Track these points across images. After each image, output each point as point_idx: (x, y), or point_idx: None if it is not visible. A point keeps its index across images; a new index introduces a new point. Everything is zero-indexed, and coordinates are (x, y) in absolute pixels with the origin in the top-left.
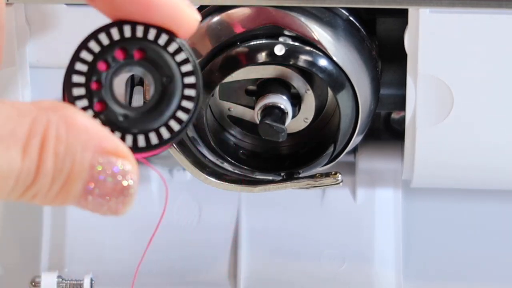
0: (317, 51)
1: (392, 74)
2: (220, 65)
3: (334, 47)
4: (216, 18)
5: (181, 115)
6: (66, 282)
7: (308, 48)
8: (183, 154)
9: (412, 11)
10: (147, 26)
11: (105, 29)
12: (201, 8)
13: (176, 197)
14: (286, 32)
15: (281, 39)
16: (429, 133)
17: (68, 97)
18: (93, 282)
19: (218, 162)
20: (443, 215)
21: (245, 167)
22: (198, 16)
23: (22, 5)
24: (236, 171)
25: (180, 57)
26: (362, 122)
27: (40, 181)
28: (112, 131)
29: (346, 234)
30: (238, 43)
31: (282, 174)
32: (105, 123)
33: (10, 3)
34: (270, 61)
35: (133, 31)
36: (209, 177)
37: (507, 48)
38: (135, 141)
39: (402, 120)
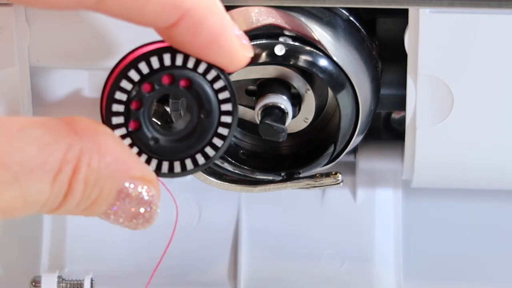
0: (317, 51)
1: (392, 74)
2: None
3: (334, 47)
4: None
5: (209, 150)
6: (66, 282)
7: (308, 48)
8: None
9: (412, 11)
10: (198, 59)
11: (158, 52)
12: None
13: (176, 197)
14: (286, 32)
15: (281, 39)
16: (429, 133)
17: (106, 111)
18: (93, 282)
19: (218, 162)
20: (443, 215)
21: (245, 167)
22: (250, 53)
23: (22, 5)
24: (236, 171)
25: (223, 95)
26: (362, 122)
27: (66, 206)
28: (140, 152)
29: (346, 234)
30: None
31: (282, 174)
32: (135, 143)
33: (10, 4)
34: (270, 61)
35: (185, 60)
36: (209, 177)
37: (507, 48)
38: (159, 165)
39: (402, 120)
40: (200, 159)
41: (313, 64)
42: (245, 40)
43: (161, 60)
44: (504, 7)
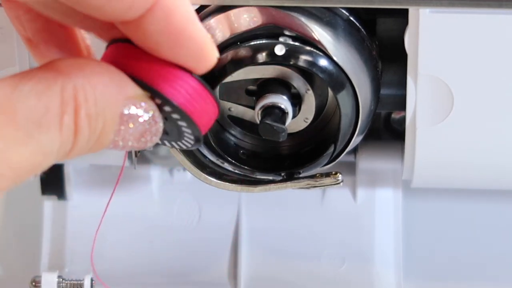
0: (317, 51)
1: (392, 74)
2: (220, 65)
3: (334, 47)
4: (216, 18)
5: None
6: (66, 282)
7: (308, 48)
8: (183, 154)
9: (412, 11)
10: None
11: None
12: (201, 8)
13: (176, 197)
14: (287, 32)
15: (281, 39)
16: (429, 133)
17: None
18: (93, 282)
19: (218, 162)
20: (443, 215)
21: (245, 167)
22: (216, 53)
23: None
24: (236, 171)
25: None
26: (362, 122)
27: (77, 145)
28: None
29: (346, 234)
30: (238, 43)
31: (282, 174)
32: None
33: None
34: (271, 61)
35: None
36: (209, 177)
37: (507, 48)
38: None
39: (402, 120)
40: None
41: (313, 64)
42: (212, 39)
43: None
44: (504, 7)
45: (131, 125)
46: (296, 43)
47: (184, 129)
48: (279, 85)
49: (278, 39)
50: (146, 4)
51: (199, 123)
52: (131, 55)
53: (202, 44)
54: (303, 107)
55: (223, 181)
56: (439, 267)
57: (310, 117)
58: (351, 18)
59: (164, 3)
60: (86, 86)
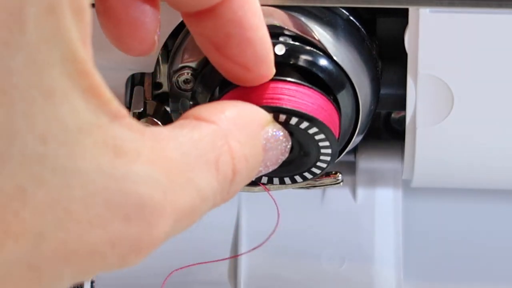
0: (317, 51)
1: (392, 74)
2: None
3: (334, 47)
4: None
5: (307, 175)
6: None
7: (308, 47)
8: None
9: (412, 11)
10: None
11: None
12: None
13: None
14: (286, 32)
15: (281, 38)
16: (429, 133)
17: None
18: (93, 282)
19: None
20: (443, 215)
21: None
22: (273, 71)
23: None
24: None
25: (323, 143)
26: (362, 122)
27: (234, 187)
28: None
29: (346, 234)
30: None
31: None
32: None
33: None
34: None
35: (287, 119)
36: None
37: (507, 48)
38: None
39: (402, 120)
40: (298, 179)
41: (313, 63)
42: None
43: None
44: (504, 7)
45: (271, 153)
46: (296, 43)
47: (321, 143)
48: None
49: (278, 39)
50: None
51: (332, 128)
52: (238, 92)
53: (268, 49)
54: None
55: None
56: (439, 267)
57: None
58: (351, 18)
59: None
60: (231, 131)
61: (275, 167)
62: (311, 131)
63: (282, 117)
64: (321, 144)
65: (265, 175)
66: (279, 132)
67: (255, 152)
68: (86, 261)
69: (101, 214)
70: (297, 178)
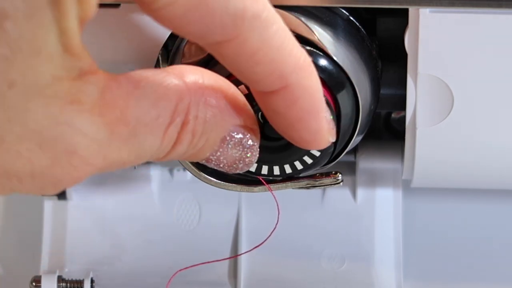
0: (317, 51)
1: (392, 74)
2: (221, 65)
3: (334, 47)
4: None
5: (307, 159)
6: (66, 282)
7: (308, 48)
8: None
9: (412, 11)
10: None
11: None
12: None
13: (176, 197)
14: None
15: None
16: (429, 133)
17: None
18: (93, 282)
19: None
20: (443, 215)
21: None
22: (333, 139)
23: None
24: None
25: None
26: (362, 122)
27: (171, 155)
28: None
29: (346, 234)
30: None
31: None
32: None
33: None
34: None
35: None
36: (209, 177)
37: (507, 48)
38: (259, 168)
39: (402, 120)
40: (298, 166)
41: (313, 63)
42: (332, 125)
43: None
44: (504, 7)
45: (229, 151)
46: None
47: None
48: None
49: None
50: (274, 84)
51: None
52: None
53: (319, 132)
54: None
55: (223, 181)
56: (439, 267)
57: None
58: (351, 18)
59: (294, 89)
60: (200, 105)
61: (228, 169)
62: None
63: None
64: None
65: (265, 164)
66: (249, 141)
67: (210, 136)
68: (4, 180)
69: (32, 150)
70: (297, 164)
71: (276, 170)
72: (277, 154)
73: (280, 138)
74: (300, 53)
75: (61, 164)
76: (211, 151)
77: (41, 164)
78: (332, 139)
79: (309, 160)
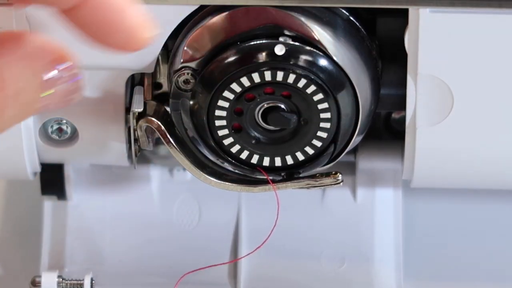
0: (317, 51)
1: (392, 74)
2: (220, 65)
3: (334, 47)
4: (216, 18)
5: (308, 149)
6: (66, 282)
7: (308, 48)
8: (183, 154)
9: (412, 11)
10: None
11: (258, 68)
12: (201, 8)
13: (176, 197)
14: (286, 32)
15: (281, 39)
16: (429, 133)
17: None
18: (93, 282)
19: (218, 162)
20: (443, 215)
21: (245, 167)
22: (151, 32)
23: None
24: (236, 171)
25: (322, 106)
26: (362, 122)
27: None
28: (243, 149)
29: (346, 234)
30: (238, 43)
31: (282, 174)
32: (238, 141)
33: (10, 3)
34: (270, 61)
35: (285, 77)
36: (209, 177)
37: (507, 48)
38: (261, 160)
39: (402, 120)
40: (300, 156)
41: (313, 64)
42: (146, 19)
43: (262, 76)
44: (504, 7)
45: (52, 90)
46: (296, 43)
47: (319, 105)
48: None
49: (278, 39)
50: None
51: None
52: None
53: (133, 30)
54: None
55: (223, 181)
56: (439, 267)
57: None
58: (351, 18)
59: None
60: (12, 58)
61: (65, 104)
62: (309, 90)
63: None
64: (320, 106)
65: (267, 155)
66: (66, 67)
67: (26, 91)
68: None
69: None
70: (299, 155)
71: (278, 162)
72: (279, 145)
73: (281, 129)
74: None
75: None
76: (38, 101)
77: None
78: (150, 32)
79: (310, 151)
